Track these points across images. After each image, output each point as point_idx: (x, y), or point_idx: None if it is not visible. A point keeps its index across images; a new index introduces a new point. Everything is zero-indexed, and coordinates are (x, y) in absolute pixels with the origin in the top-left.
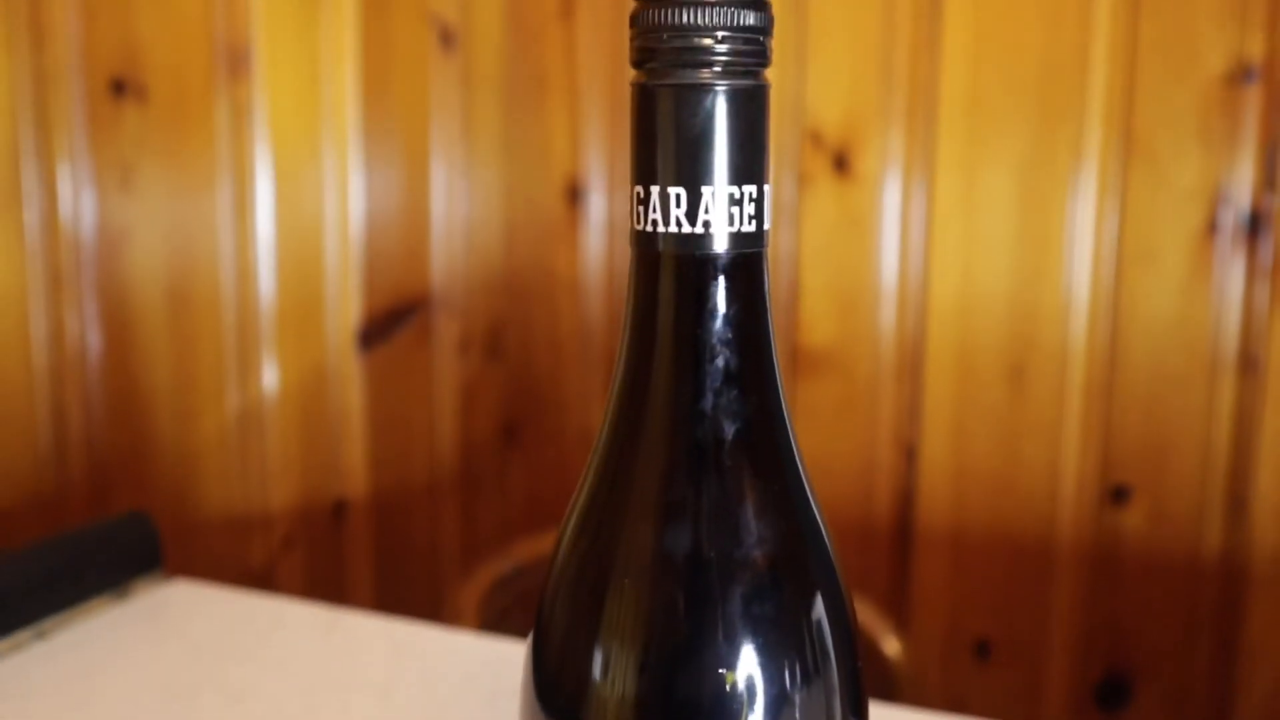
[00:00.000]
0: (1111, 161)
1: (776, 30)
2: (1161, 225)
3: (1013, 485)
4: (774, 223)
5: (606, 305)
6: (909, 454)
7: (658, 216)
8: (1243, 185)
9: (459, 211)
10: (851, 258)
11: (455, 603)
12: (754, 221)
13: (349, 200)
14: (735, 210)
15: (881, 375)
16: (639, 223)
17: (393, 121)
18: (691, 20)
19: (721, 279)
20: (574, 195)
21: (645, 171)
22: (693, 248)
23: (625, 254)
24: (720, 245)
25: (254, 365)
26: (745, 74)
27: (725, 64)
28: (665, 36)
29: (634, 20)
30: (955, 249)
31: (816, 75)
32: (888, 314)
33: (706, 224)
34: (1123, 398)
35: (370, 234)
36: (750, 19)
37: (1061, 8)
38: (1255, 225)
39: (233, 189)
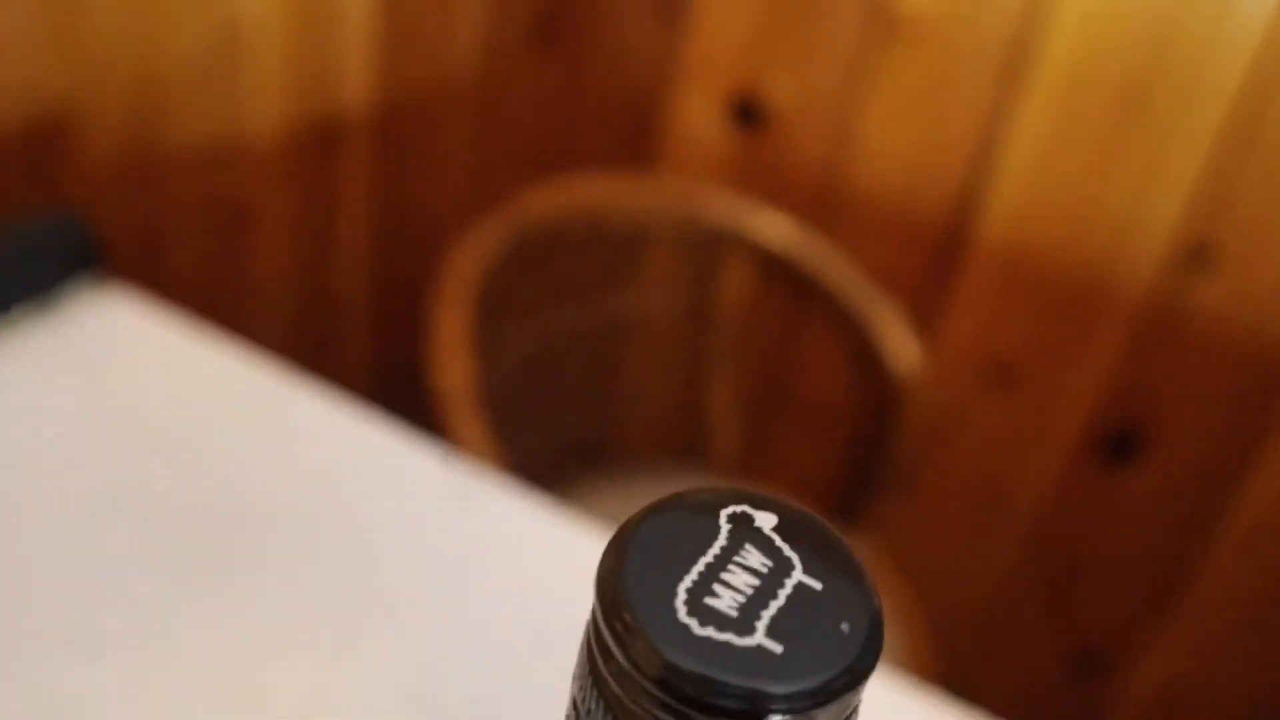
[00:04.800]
0: None
1: None
2: None
3: (1090, 222)
4: None
5: None
6: (988, 160)
7: None
8: None
9: None
10: None
11: (451, 264)
12: None
13: None
14: None
15: (981, 67)
16: None
17: None
18: None
19: None
20: None
21: None
22: None
23: None
24: None
25: None
26: None
27: None
28: None
29: None
30: None
31: None
32: None
33: None
34: (1249, 149)
35: None
36: None
37: None
38: None
39: None
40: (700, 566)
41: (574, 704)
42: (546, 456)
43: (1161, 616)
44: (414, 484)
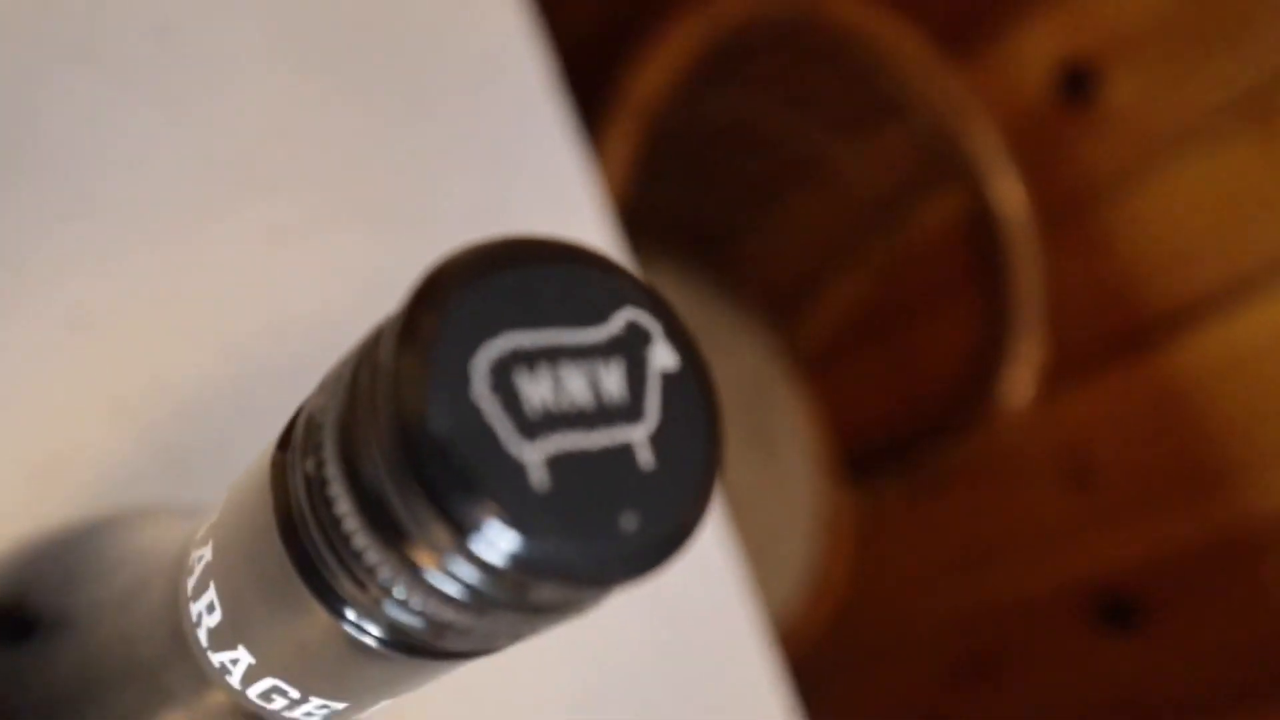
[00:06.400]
0: None
1: None
2: None
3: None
4: None
5: None
6: (1256, 292)
7: None
8: None
9: None
10: None
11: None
12: None
13: None
14: None
15: None
16: None
17: None
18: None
19: None
20: None
21: None
22: None
23: None
24: None
25: None
26: None
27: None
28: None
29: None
30: None
31: None
32: None
33: None
34: None
35: None
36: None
37: None
38: None
39: None
40: (547, 338)
41: (324, 380)
42: (656, 221)
43: None
44: (530, 134)
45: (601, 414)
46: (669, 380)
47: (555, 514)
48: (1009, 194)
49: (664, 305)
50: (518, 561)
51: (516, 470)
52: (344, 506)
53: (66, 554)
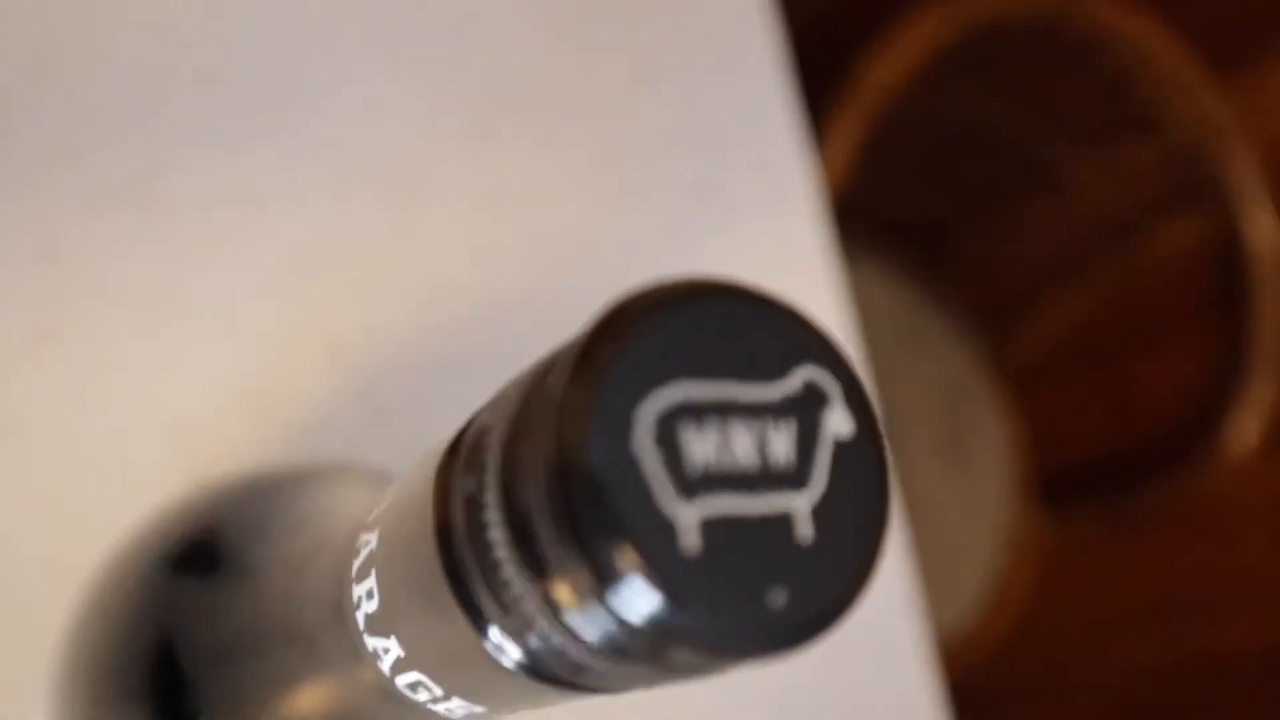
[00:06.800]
0: None
1: None
2: None
3: None
4: None
5: None
6: None
7: None
8: None
9: None
10: None
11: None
12: None
13: None
14: None
15: None
16: None
17: None
18: None
19: None
20: None
21: None
22: None
23: None
24: None
25: None
26: None
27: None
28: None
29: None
30: None
31: None
32: None
33: None
34: None
35: None
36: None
37: None
38: None
39: None
40: (721, 391)
41: (497, 396)
42: (873, 214)
43: None
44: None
45: (765, 478)
46: (841, 449)
47: (700, 581)
48: (1262, 227)
49: (845, 365)
50: (655, 622)
51: (667, 529)
52: (497, 534)
53: (259, 502)
